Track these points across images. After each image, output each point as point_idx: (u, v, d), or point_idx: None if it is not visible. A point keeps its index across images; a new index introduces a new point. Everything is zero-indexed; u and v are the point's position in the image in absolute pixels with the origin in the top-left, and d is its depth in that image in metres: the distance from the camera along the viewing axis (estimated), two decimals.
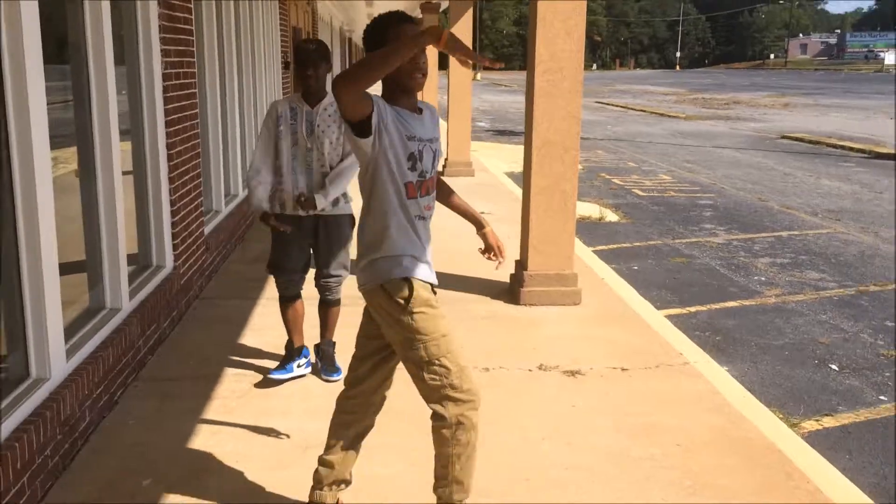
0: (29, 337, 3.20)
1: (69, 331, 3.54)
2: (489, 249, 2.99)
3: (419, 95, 2.72)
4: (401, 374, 2.84)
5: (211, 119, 6.76)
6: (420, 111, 2.67)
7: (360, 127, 2.48)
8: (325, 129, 4.05)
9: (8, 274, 3.13)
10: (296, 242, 4.18)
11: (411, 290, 2.61)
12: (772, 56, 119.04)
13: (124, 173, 4.36)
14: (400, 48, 2.31)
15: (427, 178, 2.65)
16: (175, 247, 5.14)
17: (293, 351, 4.35)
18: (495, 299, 5.82)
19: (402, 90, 2.60)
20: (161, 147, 4.92)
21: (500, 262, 2.99)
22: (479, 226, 2.97)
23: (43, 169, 3.19)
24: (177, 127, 5.18)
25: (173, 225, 5.10)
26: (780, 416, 4.22)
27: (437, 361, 2.61)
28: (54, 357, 3.28)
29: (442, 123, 19.02)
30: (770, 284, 6.99)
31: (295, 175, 4.06)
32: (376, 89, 2.59)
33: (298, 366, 4.33)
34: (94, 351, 3.69)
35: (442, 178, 2.91)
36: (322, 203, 4.06)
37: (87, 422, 3.52)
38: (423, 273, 2.67)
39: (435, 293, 2.72)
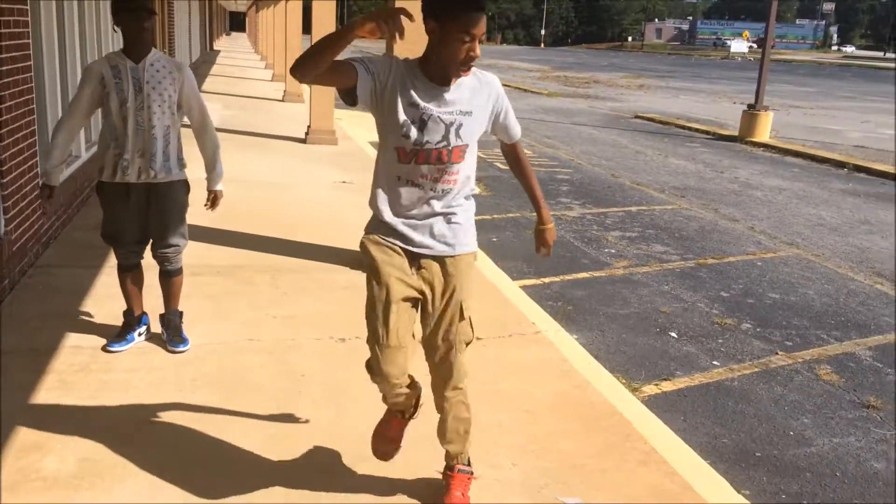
0: None
1: None
2: (540, 242, 3.01)
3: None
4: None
5: (48, 73, 6.28)
6: (446, 83, 2.54)
7: (347, 95, 2.49)
8: (156, 85, 3.80)
9: None
10: (127, 213, 3.93)
11: (363, 249, 2.70)
12: (630, 39, 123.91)
13: None
14: (341, 33, 2.29)
15: (427, 149, 2.56)
16: (6, 210, 4.76)
17: (132, 320, 4.15)
18: (354, 269, 5.77)
19: (438, 63, 2.50)
20: None
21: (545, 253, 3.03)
22: (542, 221, 2.98)
23: None
24: (7, 80, 4.77)
25: (3, 186, 4.72)
26: (623, 381, 4.44)
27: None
28: None
29: (305, 90, 18.47)
30: (619, 257, 7.31)
31: (126, 138, 3.80)
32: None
33: (139, 334, 4.14)
34: None
35: (521, 155, 2.95)
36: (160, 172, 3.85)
37: None
38: (387, 233, 2.68)
39: (413, 258, 2.69)
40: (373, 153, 11.49)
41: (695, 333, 5.47)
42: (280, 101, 17.35)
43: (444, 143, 2.59)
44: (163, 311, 4.26)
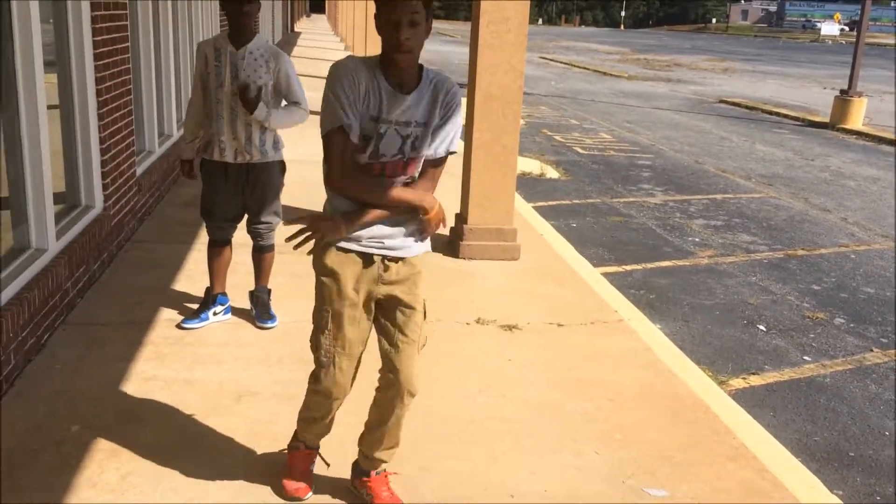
0: None
1: None
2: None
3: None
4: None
5: (143, 54, 6.48)
6: (409, 90, 2.42)
7: None
8: (251, 74, 3.87)
9: None
10: (225, 190, 4.05)
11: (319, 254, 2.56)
12: (713, 20, 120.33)
13: (50, 108, 4.15)
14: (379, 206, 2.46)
15: (384, 161, 2.44)
16: (105, 186, 4.94)
17: (209, 298, 4.26)
18: (435, 252, 5.77)
19: (389, 63, 2.38)
20: (90, 81, 4.69)
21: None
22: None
23: None
24: (107, 60, 4.95)
25: (103, 164, 4.90)
26: (709, 373, 4.34)
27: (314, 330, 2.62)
28: None
29: None
30: (703, 245, 7.14)
31: (220, 121, 3.91)
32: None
33: (214, 314, 4.25)
34: (18, 292, 3.54)
35: (428, 171, 2.57)
36: (262, 113, 3.91)
37: (12, 366, 3.39)
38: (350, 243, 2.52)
39: (372, 261, 2.54)
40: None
41: (784, 327, 5.31)
42: None
43: (400, 155, 2.46)
44: (252, 287, 4.36)
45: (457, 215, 5.96)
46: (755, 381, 4.47)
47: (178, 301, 4.52)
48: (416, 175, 2.54)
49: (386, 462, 2.82)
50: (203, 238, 5.51)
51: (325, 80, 2.45)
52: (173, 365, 3.77)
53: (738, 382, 4.42)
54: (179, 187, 7.10)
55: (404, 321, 2.60)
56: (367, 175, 2.47)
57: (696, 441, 3.41)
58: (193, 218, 5.97)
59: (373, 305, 2.61)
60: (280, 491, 2.83)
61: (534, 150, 11.54)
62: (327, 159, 2.44)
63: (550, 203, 8.37)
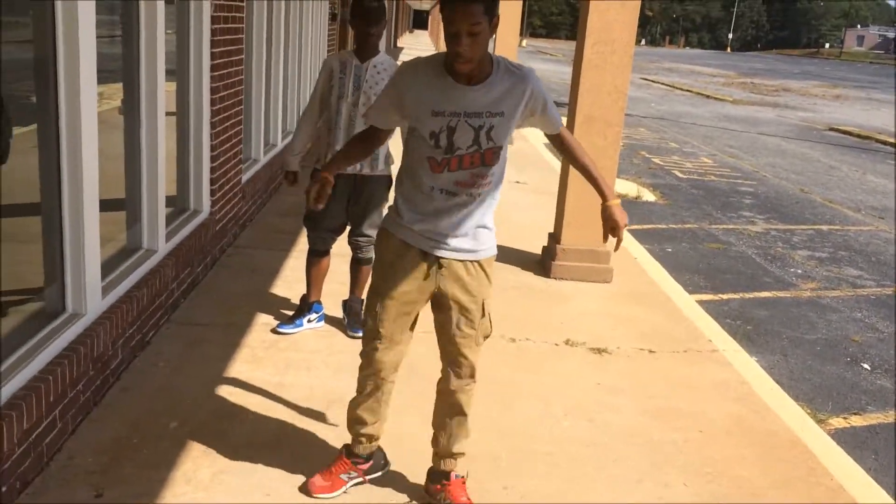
0: (67, 271, 3.24)
1: (105, 268, 3.58)
2: (607, 223, 2.70)
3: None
4: (424, 338, 2.84)
5: (255, 66, 6.75)
6: (477, 82, 2.47)
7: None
8: (373, 86, 4.00)
9: (49, 207, 3.17)
10: (334, 199, 4.16)
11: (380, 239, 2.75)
12: (827, 45, 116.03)
13: (167, 114, 4.38)
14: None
15: (461, 154, 2.51)
16: (213, 192, 5.16)
17: (305, 306, 4.38)
18: (526, 270, 5.80)
19: (451, 67, 2.47)
20: (205, 90, 4.92)
21: (616, 242, 2.76)
22: (604, 197, 2.72)
23: (89, 103, 3.20)
24: (222, 72, 5.17)
25: (212, 170, 5.12)
26: (808, 411, 4.17)
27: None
28: (90, 293, 3.32)
29: None
30: (806, 277, 6.87)
31: (337, 131, 4.05)
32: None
33: (309, 321, 4.36)
34: (129, 290, 3.73)
35: (568, 139, 2.75)
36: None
37: (119, 360, 3.57)
38: (408, 235, 2.65)
39: (433, 261, 2.65)
40: (547, 154, 11.51)
41: (890, 367, 5.04)
42: None
43: (475, 147, 2.51)
44: (346, 297, 4.46)
45: (550, 235, 5.93)
46: (857, 421, 4.27)
47: (275, 306, 4.66)
48: (496, 166, 2.58)
49: (461, 454, 2.88)
50: (301, 246, 5.68)
51: None
52: (268, 368, 3.89)
53: (838, 422, 4.23)
54: (280, 196, 7.34)
55: (460, 319, 2.70)
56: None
57: (791, 480, 3.28)
58: (292, 226, 6.17)
59: (427, 299, 2.72)
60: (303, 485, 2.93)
61: (631, 172, 11.38)
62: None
63: (646, 227, 8.23)
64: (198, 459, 3.05)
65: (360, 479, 2.95)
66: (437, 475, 2.90)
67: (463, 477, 2.91)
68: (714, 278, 6.62)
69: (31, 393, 2.72)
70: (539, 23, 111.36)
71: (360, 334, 4.26)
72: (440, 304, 2.72)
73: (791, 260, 7.41)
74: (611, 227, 2.69)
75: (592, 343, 4.52)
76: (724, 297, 6.17)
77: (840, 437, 4.00)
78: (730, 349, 4.68)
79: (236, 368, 3.85)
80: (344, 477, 2.92)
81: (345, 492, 2.91)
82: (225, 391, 3.62)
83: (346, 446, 2.98)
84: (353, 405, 2.89)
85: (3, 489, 2.56)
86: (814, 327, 5.65)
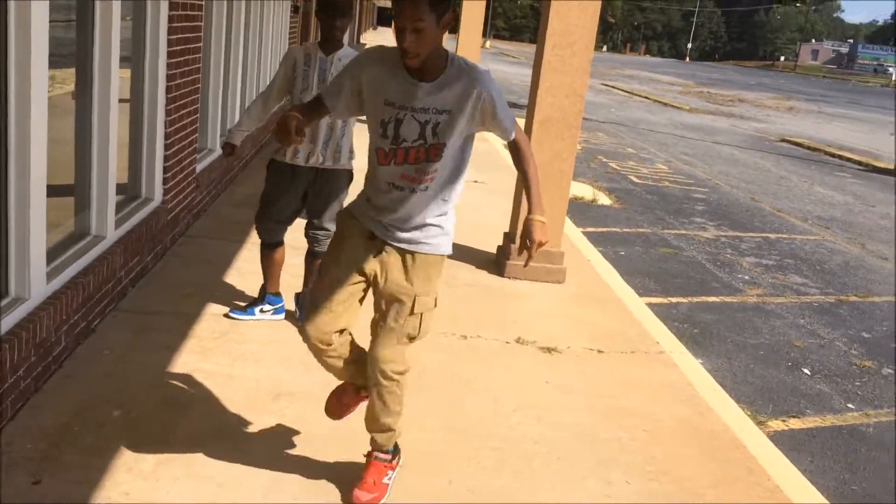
0: (10, 255, 3.16)
1: (51, 254, 3.50)
2: (524, 237, 2.63)
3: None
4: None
5: (214, 55, 6.66)
6: (431, 79, 2.50)
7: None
8: None
9: None
10: (288, 191, 4.15)
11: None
12: (782, 58, 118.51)
13: (121, 101, 4.30)
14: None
15: (406, 147, 2.54)
16: (165, 181, 5.09)
17: (261, 296, 4.35)
18: (480, 269, 5.83)
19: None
20: (161, 77, 4.85)
21: (526, 259, 2.67)
22: (529, 210, 2.65)
23: (39, 86, 3.13)
24: (178, 59, 5.10)
25: (166, 158, 5.04)
26: (749, 413, 4.27)
27: None
28: (34, 277, 3.25)
29: None
30: (753, 284, 7.03)
31: None
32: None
33: (261, 311, 4.34)
34: (74, 276, 3.66)
35: (521, 148, 2.71)
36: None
37: (62, 347, 3.50)
38: (365, 218, 2.71)
39: (379, 244, 2.70)
40: (507, 155, 11.55)
41: (830, 372, 5.19)
42: None
43: (421, 141, 2.54)
44: (300, 290, 4.44)
45: (505, 234, 5.98)
46: (795, 424, 4.39)
47: (227, 297, 4.61)
48: (440, 163, 2.58)
49: (373, 437, 2.88)
50: (255, 238, 5.62)
51: None
52: (216, 359, 3.85)
53: (777, 424, 4.34)
54: (236, 187, 7.26)
55: (388, 309, 2.72)
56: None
57: (730, 480, 3.36)
58: (247, 217, 6.09)
59: (368, 281, 2.74)
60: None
61: (588, 175, 11.51)
62: None
63: (600, 229, 8.34)
64: (140, 448, 3.01)
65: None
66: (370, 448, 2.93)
67: (385, 463, 2.90)
68: (664, 282, 6.73)
69: None
70: (503, 25, 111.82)
71: None
72: (375, 290, 2.75)
73: (739, 266, 7.57)
74: (527, 241, 2.62)
75: (543, 342, 4.57)
76: (674, 300, 6.29)
77: (779, 439, 4.10)
78: (676, 351, 4.77)
79: (184, 359, 3.81)
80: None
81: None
82: (172, 381, 3.58)
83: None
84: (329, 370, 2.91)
85: None
86: (758, 332, 5.78)
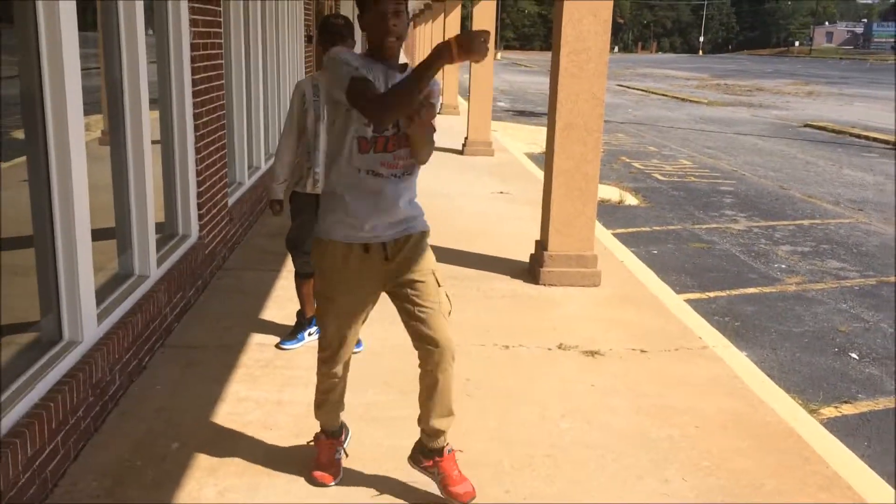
0: (62, 300, 3.25)
1: (100, 296, 3.60)
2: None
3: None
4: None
5: (236, 91, 6.79)
6: (397, 68, 2.69)
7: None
8: None
9: (42, 238, 3.19)
10: (313, 223, 4.18)
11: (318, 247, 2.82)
12: (797, 43, 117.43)
13: (152, 143, 4.40)
14: (418, 79, 2.44)
15: (388, 135, 2.67)
16: (201, 217, 5.19)
17: (304, 320, 4.41)
18: (515, 278, 5.85)
19: (379, 51, 2.67)
20: (188, 117, 4.95)
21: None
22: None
23: (77, 135, 3.23)
24: (203, 98, 5.21)
25: (199, 195, 5.15)
26: (799, 402, 4.24)
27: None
28: (86, 320, 3.34)
29: (462, 103, 18.76)
30: (790, 272, 6.97)
31: (316, 153, 4.07)
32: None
33: (309, 334, 4.39)
34: (123, 316, 3.75)
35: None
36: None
37: (117, 385, 3.58)
38: (342, 233, 2.75)
39: (378, 250, 2.77)
40: (529, 164, 11.59)
41: (878, 355, 5.13)
42: (437, 113, 17.78)
43: (396, 129, 2.67)
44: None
45: (537, 242, 6.00)
46: (848, 409, 4.34)
47: (268, 326, 4.68)
48: (408, 149, 2.73)
49: (444, 431, 2.94)
50: (290, 266, 5.70)
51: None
52: (265, 386, 3.91)
53: (829, 411, 4.30)
54: (266, 217, 7.36)
55: (417, 294, 2.77)
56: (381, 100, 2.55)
57: (787, 469, 3.34)
58: (279, 247, 6.16)
59: (379, 291, 2.85)
60: (312, 481, 3.06)
61: (612, 177, 11.49)
62: (364, 103, 2.52)
63: (630, 230, 8.32)
64: (202, 479, 3.06)
65: (342, 451, 3.16)
66: (427, 452, 2.98)
67: (454, 450, 2.99)
68: (700, 277, 6.70)
69: (34, 420, 2.74)
70: (512, 35, 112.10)
71: (356, 349, 4.31)
72: (396, 288, 2.80)
73: (775, 256, 7.51)
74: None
75: (585, 346, 4.57)
76: (712, 294, 6.26)
77: (832, 426, 4.06)
78: (720, 345, 4.74)
79: (233, 388, 3.87)
80: (337, 456, 3.12)
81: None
82: (224, 410, 3.64)
83: (320, 432, 3.14)
84: (321, 401, 3.06)
85: None
86: (801, 320, 5.73)
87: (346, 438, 3.24)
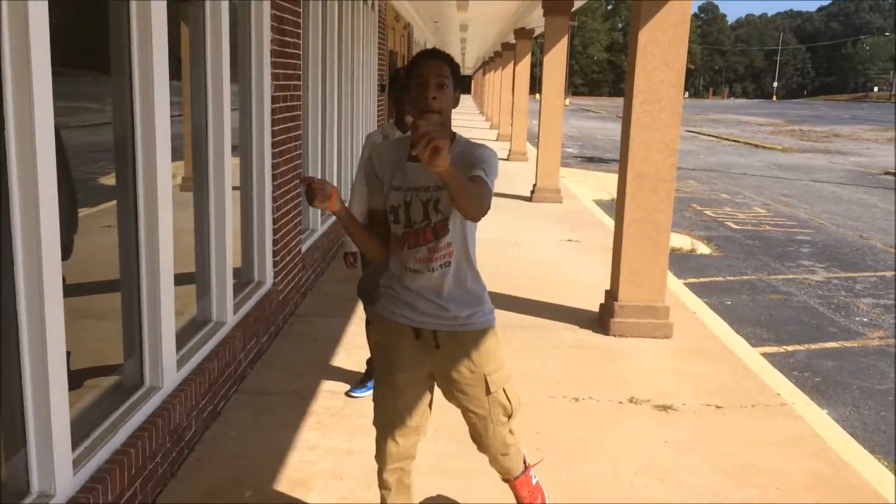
0: (144, 346, 3.36)
1: (180, 341, 3.70)
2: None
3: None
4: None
5: (311, 139, 6.98)
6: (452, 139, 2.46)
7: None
8: None
9: (128, 283, 3.31)
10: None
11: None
12: (876, 89, 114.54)
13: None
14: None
15: (417, 229, 2.47)
16: (275, 263, 5.31)
17: (372, 369, 4.44)
18: (583, 328, 5.78)
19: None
20: (267, 166, 5.11)
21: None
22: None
23: (164, 182, 3.37)
24: (282, 148, 5.37)
25: (275, 242, 5.28)
26: (885, 463, 4.05)
27: None
28: (167, 366, 3.43)
29: (531, 149, 18.78)
30: (873, 326, 6.71)
31: None
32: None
33: None
34: (201, 362, 3.85)
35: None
36: None
37: (193, 431, 3.66)
38: (399, 313, 2.59)
39: (428, 337, 2.58)
40: (598, 212, 11.53)
41: None
42: (505, 159, 17.89)
43: (426, 221, 2.46)
44: None
45: (607, 292, 5.93)
46: None
47: (339, 373, 4.73)
48: (449, 234, 2.47)
49: (506, 467, 2.89)
50: (361, 313, 5.78)
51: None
52: (335, 435, 3.94)
53: None
54: (337, 263, 7.48)
55: (463, 398, 2.63)
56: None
57: None
58: (350, 293, 6.27)
59: (430, 377, 2.65)
60: None
61: (683, 225, 11.32)
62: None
63: (702, 280, 8.16)
64: None
65: None
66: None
67: (523, 474, 2.95)
68: (777, 330, 6.51)
69: (115, 466, 2.81)
70: (580, 81, 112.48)
71: None
72: (442, 384, 2.65)
73: (856, 308, 7.25)
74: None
75: (657, 400, 4.47)
76: (790, 348, 6.06)
77: None
78: (800, 402, 4.58)
79: (305, 436, 3.91)
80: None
81: None
82: (295, 459, 3.67)
83: None
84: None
85: None
86: (885, 377, 5.50)
87: None
